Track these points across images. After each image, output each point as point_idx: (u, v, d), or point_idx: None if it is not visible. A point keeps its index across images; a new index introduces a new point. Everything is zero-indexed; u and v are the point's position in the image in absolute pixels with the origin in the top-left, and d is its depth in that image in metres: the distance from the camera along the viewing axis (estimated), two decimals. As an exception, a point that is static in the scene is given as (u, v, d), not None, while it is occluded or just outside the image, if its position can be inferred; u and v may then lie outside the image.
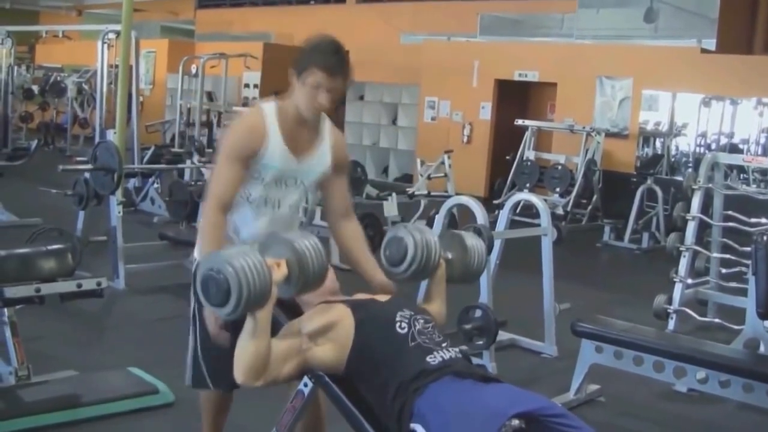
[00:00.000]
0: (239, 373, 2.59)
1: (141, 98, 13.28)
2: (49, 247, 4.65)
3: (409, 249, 2.98)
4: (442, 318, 3.10)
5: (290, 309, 2.91)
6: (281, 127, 2.98)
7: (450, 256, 3.13)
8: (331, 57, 2.88)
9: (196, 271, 2.63)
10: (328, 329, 2.71)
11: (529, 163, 11.72)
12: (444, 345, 2.67)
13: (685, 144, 12.19)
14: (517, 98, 14.04)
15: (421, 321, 2.72)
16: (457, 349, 2.70)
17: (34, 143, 10.72)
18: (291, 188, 3.05)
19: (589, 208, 11.18)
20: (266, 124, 2.97)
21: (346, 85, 2.97)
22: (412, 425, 2.48)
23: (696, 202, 6.22)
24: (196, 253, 3.07)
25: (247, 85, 16.95)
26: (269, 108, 3.01)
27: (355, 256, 3.19)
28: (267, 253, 2.65)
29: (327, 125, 3.10)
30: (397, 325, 2.68)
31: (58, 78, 17.91)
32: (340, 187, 3.19)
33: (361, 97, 15.69)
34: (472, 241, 3.17)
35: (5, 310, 4.28)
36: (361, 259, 3.17)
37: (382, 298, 2.88)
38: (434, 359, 2.60)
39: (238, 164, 2.93)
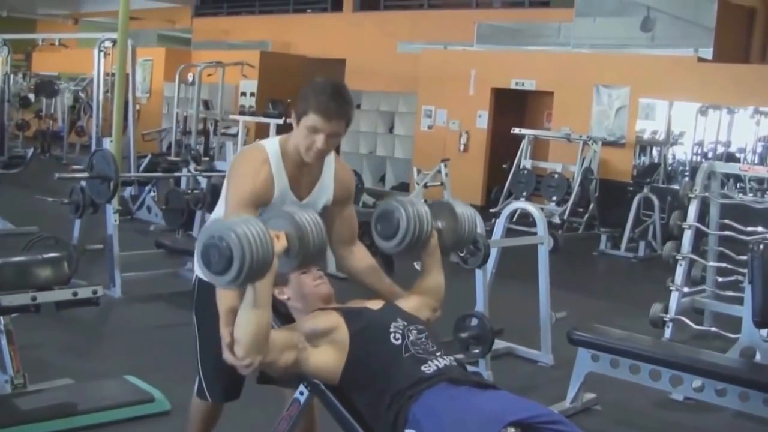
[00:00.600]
0: (240, 347, 2.53)
1: (137, 106, 13.30)
2: (45, 256, 4.64)
3: (401, 222, 2.95)
4: (442, 289, 3.10)
5: (284, 318, 2.91)
6: (286, 170, 2.95)
7: (441, 225, 3.11)
8: (330, 101, 2.81)
9: (198, 240, 2.58)
10: (324, 334, 2.71)
11: (525, 172, 11.74)
12: (438, 354, 2.67)
13: (681, 153, 12.20)
14: (514, 107, 14.05)
15: (414, 331, 2.72)
16: (452, 358, 2.70)
17: (30, 151, 10.72)
18: None
19: (586, 216, 11.18)
20: (272, 170, 2.93)
21: (347, 128, 2.92)
22: (407, 431, 2.48)
23: (692, 210, 6.22)
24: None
25: (243, 94, 16.95)
26: (273, 150, 2.96)
27: (370, 281, 3.14)
28: (266, 225, 2.60)
29: (330, 156, 3.06)
30: (392, 336, 2.67)
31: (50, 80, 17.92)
32: (345, 216, 3.15)
33: (358, 106, 15.69)
34: (461, 209, 3.15)
35: (1, 318, 4.27)
36: (381, 289, 3.11)
37: (375, 305, 2.86)
38: (429, 368, 2.60)
39: (249, 210, 2.86)
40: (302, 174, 2.99)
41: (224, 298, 2.68)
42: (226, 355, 2.58)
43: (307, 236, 2.64)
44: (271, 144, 3.00)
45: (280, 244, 2.58)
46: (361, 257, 3.17)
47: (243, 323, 2.54)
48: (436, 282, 3.07)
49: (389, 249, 3.03)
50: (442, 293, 3.11)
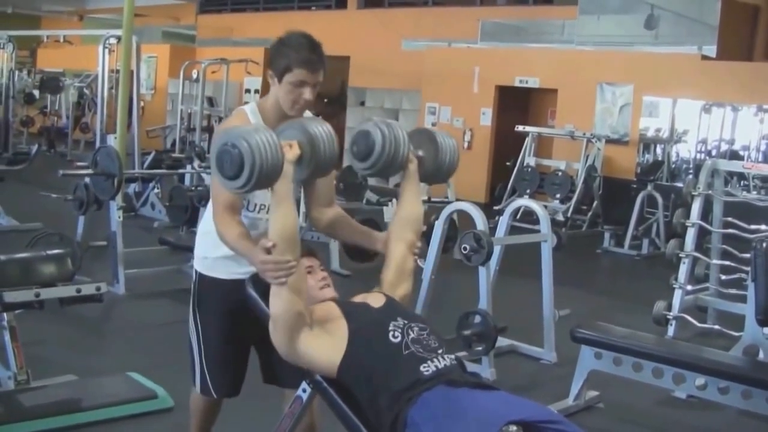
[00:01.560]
0: (277, 248, 2.62)
1: (142, 103, 13.32)
2: (49, 252, 4.66)
3: (376, 143, 2.93)
4: (421, 219, 3.10)
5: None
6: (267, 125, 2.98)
7: (421, 153, 3.10)
8: (311, 54, 2.89)
9: (211, 148, 2.69)
10: (324, 322, 2.72)
11: (529, 170, 11.73)
12: (440, 352, 2.66)
13: (685, 150, 12.20)
14: (517, 104, 14.05)
15: (416, 329, 2.71)
16: (452, 356, 2.69)
17: (34, 148, 10.72)
18: None
19: (590, 214, 11.19)
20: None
21: (324, 75, 2.97)
22: (405, 434, 2.48)
23: (696, 208, 6.21)
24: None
25: (248, 91, 16.96)
26: (251, 108, 3.04)
27: (349, 231, 3.18)
28: (281, 136, 2.71)
29: (306, 112, 3.06)
30: (390, 334, 2.66)
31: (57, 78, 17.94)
32: (324, 179, 3.13)
33: (362, 103, 15.71)
34: (443, 138, 3.13)
35: (5, 314, 4.29)
36: (356, 230, 3.17)
37: (376, 303, 2.85)
38: (428, 369, 2.58)
39: None
40: None
41: (230, 233, 2.79)
42: (263, 257, 2.63)
43: (319, 145, 2.74)
44: (249, 105, 3.08)
45: (292, 152, 2.70)
46: (332, 213, 3.18)
47: (273, 222, 2.69)
48: (414, 211, 3.05)
49: (363, 170, 3.02)
50: (420, 223, 3.09)
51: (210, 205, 3.00)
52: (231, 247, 2.82)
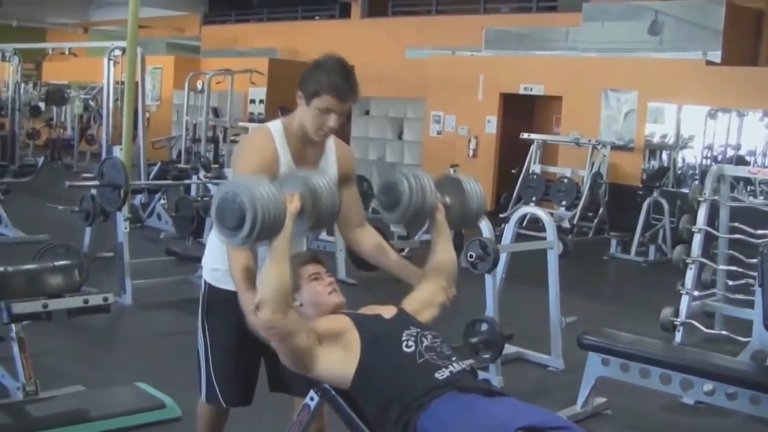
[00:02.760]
0: (265, 306, 2.56)
1: (147, 114, 13.32)
2: (56, 263, 4.68)
3: (403, 193, 2.95)
4: (454, 266, 3.11)
5: None
6: (290, 148, 2.99)
7: (449, 201, 3.12)
8: (343, 83, 2.86)
9: (213, 198, 2.63)
10: (336, 336, 2.71)
11: (534, 177, 11.73)
12: (453, 359, 2.67)
13: (691, 156, 12.18)
14: (522, 112, 14.04)
15: (429, 337, 2.71)
16: (465, 363, 2.70)
17: (41, 159, 10.76)
18: None
19: (596, 221, 11.17)
20: (276, 147, 2.96)
21: (355, 103, 2.99)
22: (416, 441, 2.48)
23: (702, 214, 6.21)
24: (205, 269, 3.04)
25: (252, 101, 16.98)
26: (276, 129, 3.01)
27: (387, 262, 3.17)
28: (282, 188, 2.66)
29: (330, 138, 3.09)
30: (404, 344, 2.67)
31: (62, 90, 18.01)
32: (350, 198, 3.15)
33: (367, 112, 15.72)
34: (469, 184, 3.15)
35: (13, 325, 4.30)
36: (395, 263, 3.16)
37: (388, 313, 2.86)
38: (442, 374, 2.58)
39: None
40: (306, 152, 3.03)
41: (236, 264, 2.75)
42: (252, 319, 2.63)
43: (321, 198, 2.70)
44: (274, 124, 3.04)
45: (294, 205, 2.64)
46: (371, 238, 3.19)
47: (265, 280, 2.60)
48: (447, 259, 3.07)
49: (392, 220, 3.06)
50: (454, 270, 3.10)
51: None
52: (232, 277, 2.80)
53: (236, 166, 2.99)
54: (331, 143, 3.11)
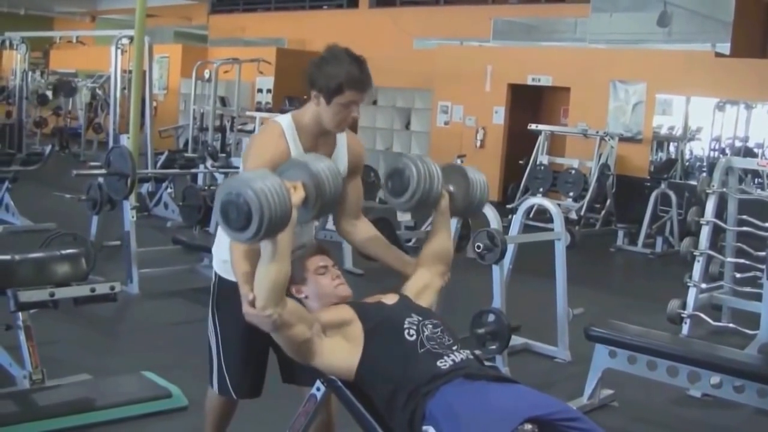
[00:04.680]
0: (260, 299, 2.55)
1: (154, 103, 13.32)
2: (63, 252, 4.68)
3: (411, 179, 2.95)
4: (450, 252, 3.14)
5: None
6: (302, 143, 2.97)
7: (452, 188, 3.12)
8: (361, 75, 2.88)
9: (215, 198, 2.59)
10: (339, 326, 2.71)
11: (542, 168, 11.71)
12: (455, 348, 2.67)
13: (699, 148, 12.14)
14: (530, 103, 14.01)
15: (430, 326, 2.71)
16: (468, 351, 2.69)
17: (48, 148, 10.73)
18: None
19: (603, 212, 11.16)
20: (287, 142, 2.95)
21: None
22: (425, 427, 2.48)
23: (710, 206, 6.19)
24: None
25: (260, 90, 16.97)
26: (287, 124, 2.99)
27: (381, 251, 3.18)
28: (282, 177, 2.62)
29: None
30: (406, 332, 2.67)
31: (69, 79, 18.01)
32: (353, 188, 3.16)
33: (375, 102, 15.70)
34: (474, 174, 3.15)
35: (20, 314, 4.30)
36: (389, 252, 3.18)
37: (389, 300, 2.86)
38: (445, 363, 2.59)
39: None
40: (318, 145, 3.02)
41: (239, 259, 2.73)
42: (247, 309, 2.61)
43: (324, 185, 2.68)
44: (284, 119, 3.03)
45: (297, 196, 2.61)
46: (365, 230, 3.20)
47: (261, 276, 2.56)
48: (446, 247, 3.10)
49: (399, 206, 3.05)
50: (450, 256, 3.13)
51: None
52: (232, 264, 2.80)
53: (248, 164, 2.96)
54: (343, 136, 3.10)
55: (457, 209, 3.15)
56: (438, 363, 2.58)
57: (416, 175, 2.95)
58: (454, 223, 5.65)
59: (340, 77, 2.85)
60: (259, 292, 2.56)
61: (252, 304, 2.59)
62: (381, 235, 3.21)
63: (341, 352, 2.68)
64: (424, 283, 3.01)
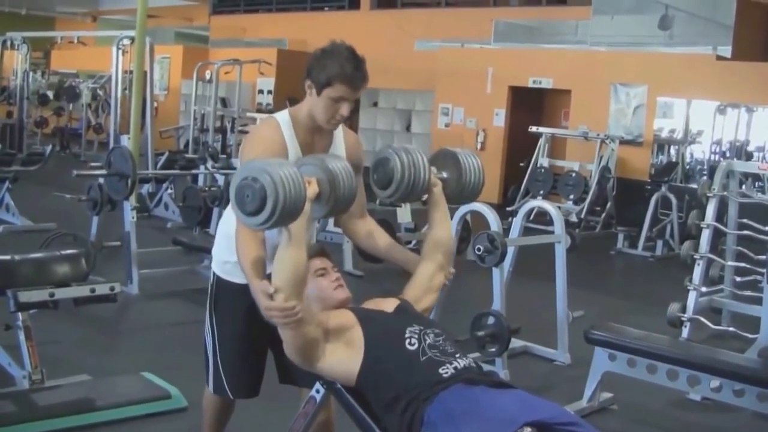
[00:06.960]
0: (280, 292, 2.55)
1: (155, 104, 13.34)
2: (63, 252, 4.68)
3: (396, 170, 2.93)
4: (451, 242, 3.13)
5: None
6: (298, 138, 2.97)
7: (445, 175, 3.10)
8: (355, 71, 2.85)
9: (231, 182, 2.59)
10: (341, 331, 2.70)
11: (542, 170, 11.72)
12: (457, 356, 2.66)
13: (700, 151, 12.14)
14: (531, 105, 14.02)
15: (431, 335, 2.70)
16: (470, 358, 2.69)
17: (48, 148, 10.74)
18: None
19: (603, 215, 11.16)
20: (284, 137, 2.95)
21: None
22: (422, 433, 2.48)
23: (711, 210, 6.19)
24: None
25: (261, 91, 16.99)
26: (284, 119, 2.99)
27: (384, 249, 3.17)
28: (299, 171, 2.62)
29: (339, 127, 3.07)
30: (407, 341, 2.66)
31: (73, 83, 18.02)
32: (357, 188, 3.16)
33: (375, 104, 15.72)
34: (465, 158, 3.12)
35: (19, 314, 4.30)
36: (395, 250, 3.16)
37: (389, 307, 2.85)
38: (446, 371, 2.58)
39: None
40: (314, 141, 3.02)
41: (246, 254, 2.72)
42: (267, 304, 2.58)
43: (338, 182, 2.67)
44: (281, 114, 3.03)
45: (312, 189, 2.61)
46: (370, 230, 3.19)
47: (281, 265, 2.58)
48: (444, 234, 3.08)
49: (385, 198, 3.03)
50: (449, 246, 3.11)
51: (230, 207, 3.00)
52: (240, 266, 2.77)
53: (244, 157, 2.96)
54: (340, 132, 3.10)
55: (451, 196, 3.12)
56: (440, 370, 2.58)
57: (400, 165, 2.92)
58: (454, 224, 5.67)
59: (332, 70, 2.84)
60: (283, 282, 2.56)
61: (271, 297, 2.57)
62: (386, 234, 3.20)
63: (342, 359, 2.68)
64: (426, 284, 3.00)
